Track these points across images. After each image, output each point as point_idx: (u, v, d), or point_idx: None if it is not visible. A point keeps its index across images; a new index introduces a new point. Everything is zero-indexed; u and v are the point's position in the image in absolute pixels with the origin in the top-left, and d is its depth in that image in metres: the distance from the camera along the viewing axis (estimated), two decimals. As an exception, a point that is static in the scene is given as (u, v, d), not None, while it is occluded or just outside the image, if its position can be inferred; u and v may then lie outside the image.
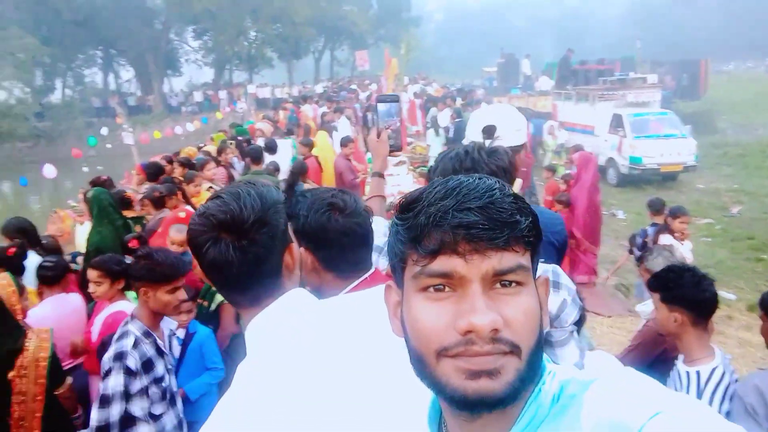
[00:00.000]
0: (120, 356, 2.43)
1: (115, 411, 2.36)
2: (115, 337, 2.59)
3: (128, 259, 3.36)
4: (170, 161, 7.82)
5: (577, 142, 12.16)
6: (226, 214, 1.10)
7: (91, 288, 3.32)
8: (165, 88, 39.24)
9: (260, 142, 9.06)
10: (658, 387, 0.71)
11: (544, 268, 1.76)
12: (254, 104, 29.48)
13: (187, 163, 7.33)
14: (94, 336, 3.30)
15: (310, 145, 8.39)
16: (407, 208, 0.75)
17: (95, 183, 6.56)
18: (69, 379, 3.14)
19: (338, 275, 1.52)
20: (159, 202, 5.38)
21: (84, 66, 39.84)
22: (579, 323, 1.86)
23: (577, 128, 15.32)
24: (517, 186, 1.96)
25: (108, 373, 2.43)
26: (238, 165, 8.72)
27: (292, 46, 40.00)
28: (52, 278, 3.63)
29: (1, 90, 31.67)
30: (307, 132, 10.74)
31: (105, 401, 2.37)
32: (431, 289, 0.71)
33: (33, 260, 3.94)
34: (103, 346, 2.96)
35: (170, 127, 22.03)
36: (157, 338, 2.64)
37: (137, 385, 2.44)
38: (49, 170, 10.78)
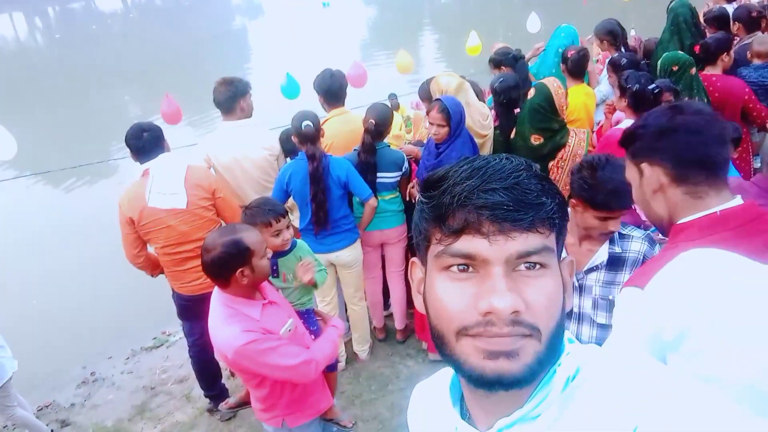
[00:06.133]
0: None
1: None
2: None
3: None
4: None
5: None
6: None
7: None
8: None
9: None
10: (652, 382, 0.70)
11: None
12: None
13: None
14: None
15: None
16: (432, 186, 0.74)
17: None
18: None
19: (690, 190, 1.35)
20: (754, 24, 4.63)
21: None
22: None
23: None
24: None
25: None
26: None
27: None
28: None
29: None
30: None
31: None
32: (454, 268, 0.71)
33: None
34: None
35: None
36: None
37: None
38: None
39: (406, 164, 3.80)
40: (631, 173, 1.49)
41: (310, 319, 2.66)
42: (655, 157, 1.38)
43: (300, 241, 2.72)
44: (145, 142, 3.11)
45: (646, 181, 1.41)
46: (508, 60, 4.57)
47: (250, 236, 2.21)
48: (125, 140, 3.14)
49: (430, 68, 11.42)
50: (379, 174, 3.67)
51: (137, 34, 23.58)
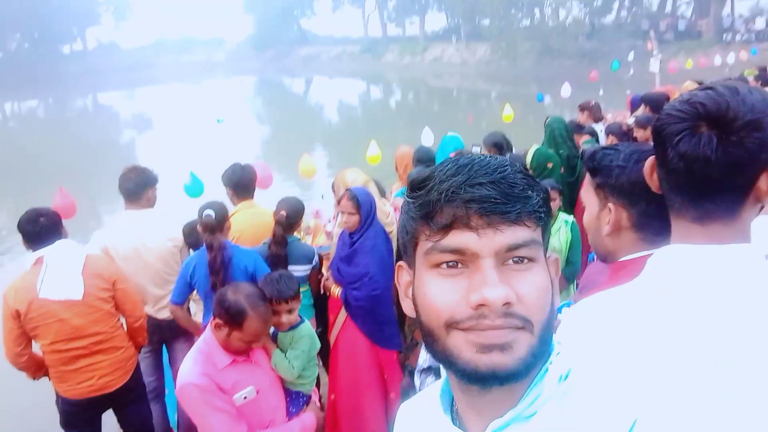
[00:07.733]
0: None
1: None
2: None
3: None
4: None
5: None
6: (718, 104, 0.98)
7: None
8: (725, 11, 35.56)
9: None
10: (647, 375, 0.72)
11: None
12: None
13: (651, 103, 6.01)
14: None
15: None
16: (418, 186, 0.75)
17: (584, 107, 6.95)
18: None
19: (644, 237, 1.38)
20: (624, 138, 5.23)
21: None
22: None
23: None
24: None
25: None
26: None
27: None
28: None
29: (562, 9, 34.96)
30: None
31: None
32: (444, 265, 0.71)
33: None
34: None
35: (713, 56, 20.24)
36: None
37: None
38: (566, 89, 11.16)
39: (316, 258, 3.80)
40: (590, 197, 1.48)
41: (294, 401, 2.59)
42: (624, 201, 1.39)
43: (305, 327, 2.67)
44: (41, 228, 2.89)
45: (605, 216, 1.42)
46: None
47: (251, 322, 2.26)
48: (18, 226, 2.90)
49: (330, 177, 11.71)
50: (289, 267, 3.63)
51: (15, 143, 22.42)
